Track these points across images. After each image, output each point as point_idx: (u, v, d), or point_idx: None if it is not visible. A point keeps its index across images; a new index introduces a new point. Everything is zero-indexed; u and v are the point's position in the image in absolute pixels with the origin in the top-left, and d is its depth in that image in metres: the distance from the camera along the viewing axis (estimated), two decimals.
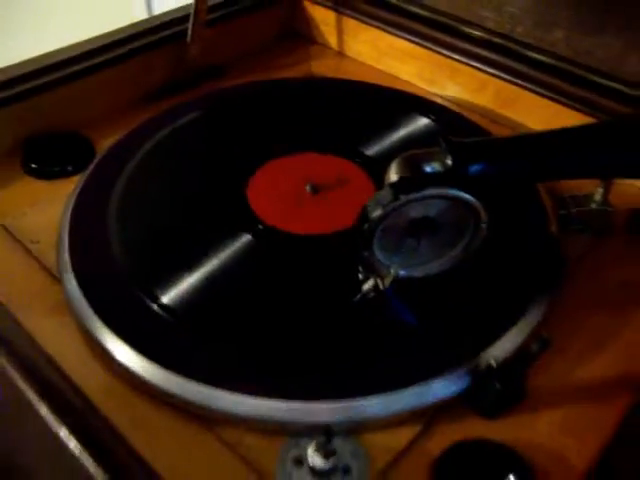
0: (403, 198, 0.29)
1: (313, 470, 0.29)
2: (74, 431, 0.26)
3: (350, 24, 0.59)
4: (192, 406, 0.31)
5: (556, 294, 0.37)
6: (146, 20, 0.54)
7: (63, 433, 0.26)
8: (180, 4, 0.55)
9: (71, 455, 0.25)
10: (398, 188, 0.30)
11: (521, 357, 0.31)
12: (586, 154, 0.34)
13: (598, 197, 0.42)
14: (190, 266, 0.35)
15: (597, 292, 0.39)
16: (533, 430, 0.31)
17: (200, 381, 0.31)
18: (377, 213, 0.30)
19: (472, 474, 0.29)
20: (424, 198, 0.30)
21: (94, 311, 0.33)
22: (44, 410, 0.26)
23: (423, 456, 0.30)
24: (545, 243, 0.40)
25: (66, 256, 0.36)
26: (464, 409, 0.32)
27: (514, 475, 0.29)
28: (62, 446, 0.26)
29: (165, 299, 0.34)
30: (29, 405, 0.27)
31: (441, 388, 0.31)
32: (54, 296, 0.37)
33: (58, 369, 0.30)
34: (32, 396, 0.27)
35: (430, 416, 0.32)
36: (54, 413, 0.27)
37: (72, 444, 0.26)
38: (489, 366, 0.30)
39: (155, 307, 0.33)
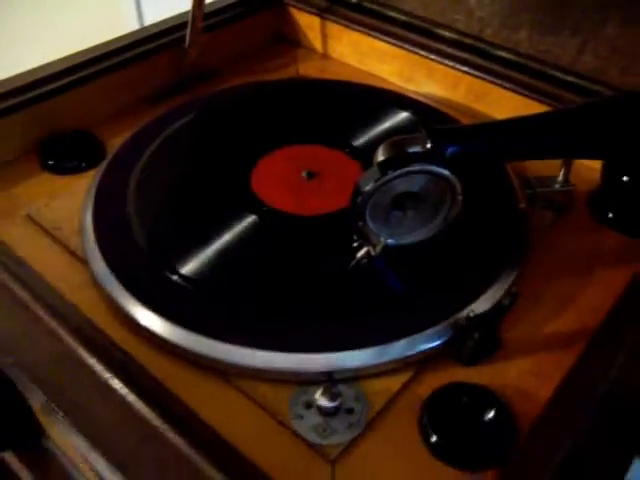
0: (390, 173, 0.34)
1: (320, 410, 0.34)
2: (121, 379, 0.31)
3: (333, 28, 0.64)
4: (212, 361, 0.35)
5: (525, 260, 0.42)
6: (148, 27, 0.58)
7: (112, 380, 0.31)
8: (171, 8, 0.60)
9: (121, 398, 0.30)
10: (385, 165, 0.35)
11: (495, 310, 0.36)
12: (544, 137, 0.40)
13: (560, 178, 0.48)
14: (203, 243, 0.40)
15: (561, 259, 0.44)
16: (506, 374, 0.36)
17: (217, 339, 0.35)
18: (368, 187, 0.35)
19: (457, 411, 0.34)
20: (408, 173, 0.35)
21: (121, 284, 0.38)
22: (95, 362, 0.31)
23: (414, 398, 0.35)
24: (515, 218, 0.45)
25: (91, 237, 0.41)
26: (448, 358, 0.37)
27: (493, 410, 0.34)
28: (112, 390, 0.30)
29: (183, 270, 0.38)
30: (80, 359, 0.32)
31: (427, 340, 0.36)
32: (79, 275, 0.41)
33: (99, 331, 0.35)
34: (83, 351, 0.32)
35: (419, 365, 0.36)
36: (104, 364, 0.31)
37: (118, 386, 0.30)
38: (468, 317, 0.35)
39: (174, 277, 0.38)
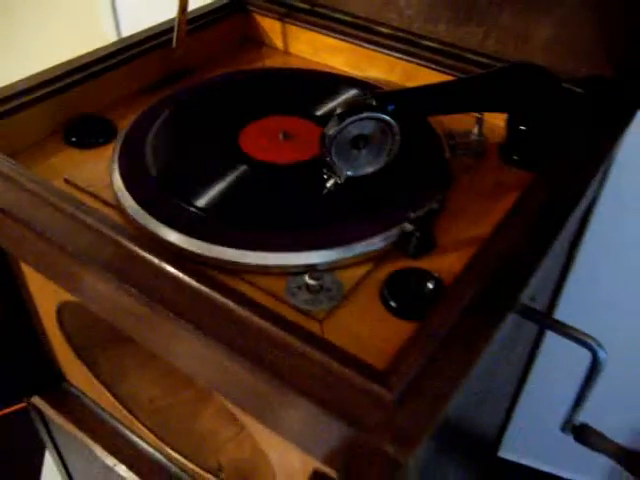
0: (347, 119, 0.48)
1: (308, 288, 0.47)
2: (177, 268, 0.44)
3: (292, 30, 0.78)
4: (226, 263, 0.48)
5: (450, 189, 0.57)
6: (141, 32, 0.71)
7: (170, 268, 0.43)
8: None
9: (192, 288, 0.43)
10: (343, 115, 0.49)
11: (428, 212, 0.50)
12: (459, 97, 0.55)
13: (475, 130, 0.62)
14: (208, 184, 0.53)
15: (477, 189, 0.58)
16: (440, 263, 0.50)
17: (228, 246, 0.48)
18: (332, 131, 0.49)
19: (407, 285, 0.48)
20: (360, 119, 0.49)
21: (151, 216, 0.50)
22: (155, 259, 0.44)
23: (375, 280, 0.48)
24: (441, 159, 0.59)
25: (122, 185, 0.53)
26: (398, 253, 0.51)
27: (431, 282, 0.48)
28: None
29: (194, 201, 0.51)
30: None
31: (381, 240, 0.50)
32: (113, 220, 0.53)
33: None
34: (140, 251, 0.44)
35: (377, 259, 0.50)
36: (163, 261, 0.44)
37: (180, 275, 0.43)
38: (409, 217, 0.49)
39: (191, 208, 0.51)
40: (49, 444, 0.85)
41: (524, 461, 1.32)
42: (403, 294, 0.47)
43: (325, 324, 0.45)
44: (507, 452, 1.29)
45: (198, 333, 0.40)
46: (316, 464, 0.42)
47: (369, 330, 0.44)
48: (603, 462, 1.25)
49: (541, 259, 0.47)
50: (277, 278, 0.48)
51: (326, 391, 0.36)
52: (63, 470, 0.88)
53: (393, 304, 0.46)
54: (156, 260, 0.44)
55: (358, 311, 0.46)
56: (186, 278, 0.43)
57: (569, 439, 1.17)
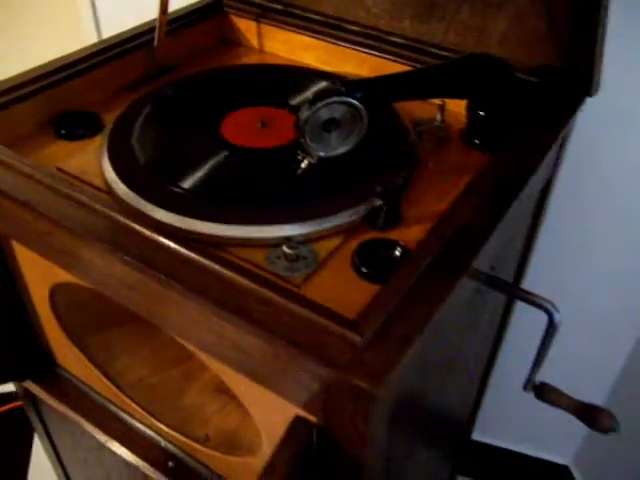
0: (319, 104, 0.53)
1: (286, 257, 0.51)
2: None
3: (267, 29, 0.83)
4: (211, 237, 0.52)
5: (415, 168, 0.62)
6: (124, 32, 0.75)
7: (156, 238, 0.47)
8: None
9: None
10: (314, 100, 0.53)
11: (394, 187, 0.55)
12: (421, 84, 0.60)
13: (438, 117, 0.68)
14: (193, 167, 0.57)
15: (441, 170, 0.63)
16: (405, 234, 0.55)
17: (213, 221, 0.52)
18: (305, 115, 0.53)
19: (375, 253, 0.52)
20: (330, 103, 0.53)
21: (140, 196, 0.54)
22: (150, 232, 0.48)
23: (347, 250, 0.53)
24: (405, 144, 0.64)
25: (112, 172, 0.57)
26: (367, 226, 0.55)
27: (398, 250, 0.52)
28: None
29: (185, 184, 0.56)
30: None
31: (352, 214, 0.55)
32: (106, 200, 0.57)
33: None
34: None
35: (348, 232, 0.55)
36: (154, 232, 0.48)
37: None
38: (377, 190, 0.53)
39: (177, 189, 0.55)
40: (40, 430, 0.88)
41: (497, 442, 1.37)
42: (373, 261, 0.52)
43: (302, 288, 0.50)
44: (480, 434, 1.34)
45: (188, 295, 0.44)
46: (298, 413, 0.47)
47: (342, 292, 0.49)
48: (574, 443, 1.32)
49: (492, 230, 0.51)
50: (257, 250, 0.52)
51: (305, 338, 0.41)
52: (54, 456, 0.91)
53: (364, 270, 0.51)
54: (147, 232, 0.48)
55: (332, 277, 0.51)
56: (176, 247, 0.47)
57: (540, 420, 1.22)
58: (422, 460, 0.82)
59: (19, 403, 1.40)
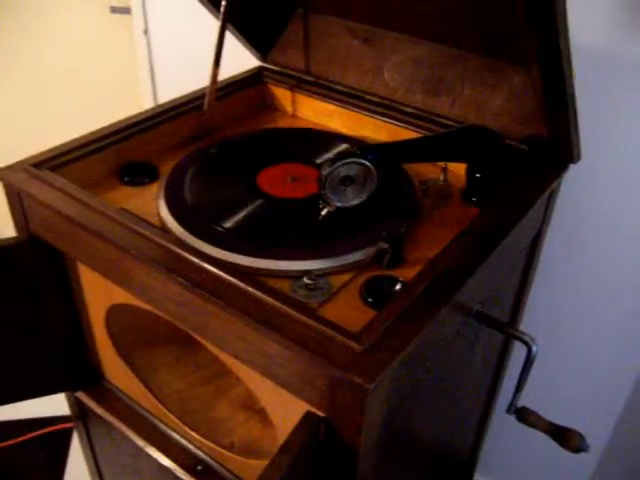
0: (337, 163, 0.65)
1: (307, 287, 0.63)
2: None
3: (299, 97, 0.97)
4: (245, 268, 0.64)
5: (419, 221, 0.73)
6: (178, 98, 0.90)
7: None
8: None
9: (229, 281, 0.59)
10: (335, 159, 0.66)
11: (399, 234, 0.66)
12: (425, 149, 0.72)
13: (441, 177, 0.80)
14: (234, 211, 0.70)
15: (442, 223, 0.75)
16: (407, 273, 0.66)
17: (248, 255, 0.64)
18: (326, 172, 0.66)
19: (380, 286, 0.63)
20: (347, 163, 0.66)
21: (189, 232, 0.67)
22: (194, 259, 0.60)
23: (356, 284, 0.64)
24: (409, 199, 0.76)
25: (167, 213, 0.70)
26: (375, 265, 0.67)
27: (399, 285, 0.63)
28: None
29: (224, 224, 0.68)
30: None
31: (362, 254, 0.66)
32: (162, 238, 0.69)
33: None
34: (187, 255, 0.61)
35: (358, 269, 0.66)
36: (202, 260, 0.60)
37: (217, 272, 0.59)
38: (383, 234, 0.65)
39: (220, 229, 0.67)
40: (84, 438, 0.99)
41: None
42: (377, 293, 0.63)
43: (318, 311, 0.61)
44: (483, 474, 1.40)
45: (226, 309, 0.56)
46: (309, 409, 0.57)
47: (349, 315, 0.60)
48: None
49: (472, 272, 0.62)
50: (283, 280, 0.64)
51: (317, 345, 0.52)
52: (93, 464, 1.01)
53: (370, 299, 0.62)
54: (195, 260, 0.60)
55: (342, 303, 0.62)
56: (218, 272, 0.59)
57: (543, 458, 1.28)
58: None
59: (58, 427, 1.52)
